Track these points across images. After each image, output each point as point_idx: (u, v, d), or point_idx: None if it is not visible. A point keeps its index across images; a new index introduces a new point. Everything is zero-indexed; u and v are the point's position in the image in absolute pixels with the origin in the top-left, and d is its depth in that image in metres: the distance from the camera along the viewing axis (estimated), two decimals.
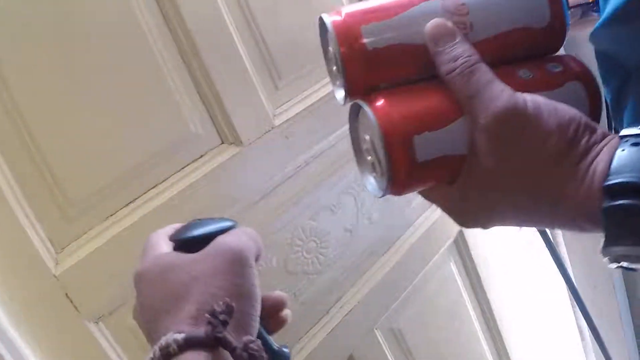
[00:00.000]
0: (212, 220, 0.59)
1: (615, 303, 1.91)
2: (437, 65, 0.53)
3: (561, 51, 0.59)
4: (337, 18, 0.55)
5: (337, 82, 0.58)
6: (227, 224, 0.58)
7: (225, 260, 0.53)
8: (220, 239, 0.55)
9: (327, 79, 1.38)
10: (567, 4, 0.56)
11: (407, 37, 0.54)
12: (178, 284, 0.52)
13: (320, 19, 0.57)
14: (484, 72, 0.51)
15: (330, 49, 0.57)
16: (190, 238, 0.57)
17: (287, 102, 1.31)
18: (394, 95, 0.53)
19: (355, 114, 0.58)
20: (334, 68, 0.58)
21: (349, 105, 0.58)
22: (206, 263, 0.53)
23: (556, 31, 0.56)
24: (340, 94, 0.58)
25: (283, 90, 1.30)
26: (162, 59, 1.10)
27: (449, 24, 0.53)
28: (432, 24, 0.53)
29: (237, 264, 0.53)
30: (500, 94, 0.49)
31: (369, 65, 0.54)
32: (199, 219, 0.60)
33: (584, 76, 0.56)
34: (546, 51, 0.58)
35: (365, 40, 0.53)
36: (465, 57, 0.51)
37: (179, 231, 0.59)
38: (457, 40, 0.52)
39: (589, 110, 0.55)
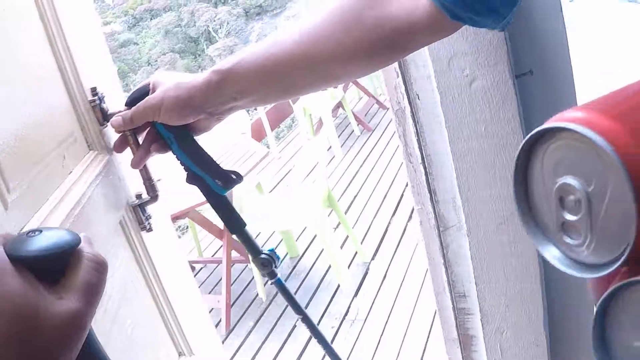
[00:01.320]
0: (50, 231, 0.50)
1: None
2: None
3: None
4: (614, 131, 0.35)
5: (580, 239, 0.39)
6: (69, 241, 0.50)
7: (65, 335, 0.46)
8: (65, 307, 0.46)
9: (79, 168, 1.01)
10: None
11: None
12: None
13: (544, 133, 0.38)
14: None
15: (573, 182, 0.37)
16: (29, 257, 0.47)
17: (26, 224, 0.82)
18: None
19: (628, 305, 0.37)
20: (573, 217, 0.38)
21: None
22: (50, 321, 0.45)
23: None
24: (572, 259, 0.40)
25: (15, 208, 0.80)
26: None
27: None
28: None
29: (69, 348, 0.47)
30: None
31: None
32: (39, 229, 0.50)
33: None
34: None
35: None
36: None
37: (14, 243, 0.49)
38: None
39: None
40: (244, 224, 1.12)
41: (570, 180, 0.38)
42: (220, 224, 4.02)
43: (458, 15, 0.87)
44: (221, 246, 4.54)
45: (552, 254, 0.41)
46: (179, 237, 6.50)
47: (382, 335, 3.50)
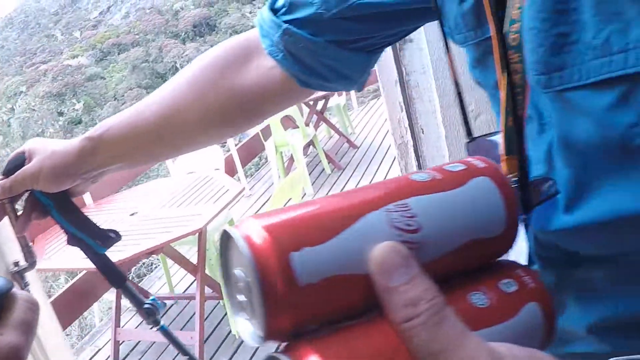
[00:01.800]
0: None
1: None
2: (388, 307, 0.40)
3: None
4: (257, 238, 0.41)
5: (248, 316, 0.44)
6: (4, 285, 0.54)
7: None
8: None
9: None
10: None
11: (349, 266, 0.42)
12: None
13: (226, 234, 0.44)
14: (453, 322, 0.39)
15: (239, 273, 0.43)
16: None
17: None
18: (328, 346, 0.40)
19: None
20: (244, 299, 0.44)
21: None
22: None
23: (509, 238, 0.50)
24: (251, 331, 0.44)
25: None
26: None
27: (403, 249, 0.41)
28: (381, 250, 0.40)
29: None
30: (477, 351, 0.38)
31: (299, 306, 0.41)
32: None
33: (541, 294, 0.49)
34: (494, 257, 0.51)
35: (296, 274, 0.40)
36: (430, 302, 0.39)
37: None
38: (413, 274, 0.40)
39: (544, 333, 0.48)
40: (125, 279, 1.16)
41: (237, 270, 0.43)
42: (194, 259, 3.97)
43: (307, 83, 0.92)
44: (193, 282, 4.50)
45: (240, 325, 0.45)
46: (146, 274, 6.43)
47: None
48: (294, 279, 0.40)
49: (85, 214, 1.08)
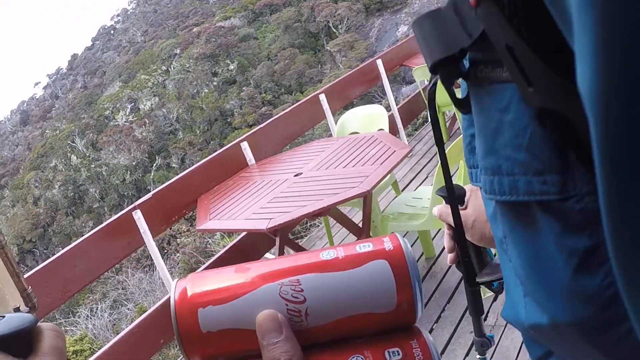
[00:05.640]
0: (10, 315, 0.57)
1: None
2: (263, 358, 0.53)
3: None
4: (179, 296, 0.55)
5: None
6: (31, 319, 0.58)
7: None
8: None
9: None
10: (419, 287, 0.55)
11: (241, 323, 0.54)
12: None
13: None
14: None
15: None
16: (2, 336, 0.54)
17: None
18: None
19: None
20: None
21: None
22: None
23: (404, 314, 0.55)
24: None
25: None
26: None
27: (279, 316, 0.53)
28: (261, 315, 0.53)
29: None
30: None
31: (204, 346, 0.54)
32: (1, 315, 0.57)
33: None
34: (394, 327, 0.57)
35: (200, 324, 0.54)
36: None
37: None
38: (281, 337, 0.52)
39: None
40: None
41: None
42: (355, 219, 3.86)
43: None
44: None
45: None
46: (300, 231, 6.42)
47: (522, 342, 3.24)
48: (198, 327, 0.53)
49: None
